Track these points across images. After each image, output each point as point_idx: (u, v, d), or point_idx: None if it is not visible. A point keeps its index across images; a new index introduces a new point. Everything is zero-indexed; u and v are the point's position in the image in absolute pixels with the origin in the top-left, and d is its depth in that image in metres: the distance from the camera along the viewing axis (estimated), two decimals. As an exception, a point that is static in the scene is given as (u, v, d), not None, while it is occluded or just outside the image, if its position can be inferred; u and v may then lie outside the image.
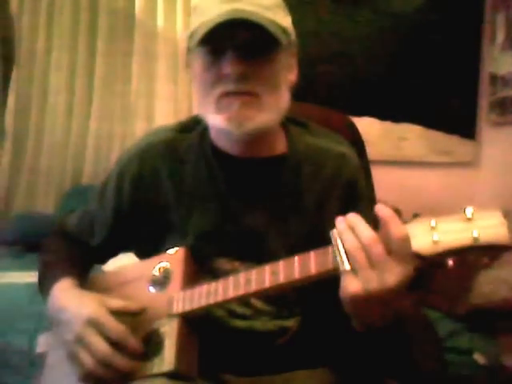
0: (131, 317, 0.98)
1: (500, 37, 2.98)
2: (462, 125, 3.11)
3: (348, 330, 0.87)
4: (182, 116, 3.13)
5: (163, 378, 0.91)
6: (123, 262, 1.15)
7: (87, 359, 0.92)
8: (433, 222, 0.71)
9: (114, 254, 1.22)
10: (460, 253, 0.69)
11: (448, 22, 3.07)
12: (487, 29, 3.08)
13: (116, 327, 0.93)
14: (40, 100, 3.19)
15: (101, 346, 0.91)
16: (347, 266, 0.75)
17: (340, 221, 0.79)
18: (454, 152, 3.12)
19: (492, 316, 1.95)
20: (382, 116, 3.11)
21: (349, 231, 0.77)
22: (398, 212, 0.74)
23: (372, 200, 1.26)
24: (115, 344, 0.92)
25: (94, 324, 0.93)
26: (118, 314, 0.96)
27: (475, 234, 0.68)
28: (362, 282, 0.74)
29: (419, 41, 3.08)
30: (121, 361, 0.92)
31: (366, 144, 1.43)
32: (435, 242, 0.70)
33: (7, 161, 3.17)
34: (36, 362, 1.24)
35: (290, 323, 1.05)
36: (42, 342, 1.56)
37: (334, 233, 0.78)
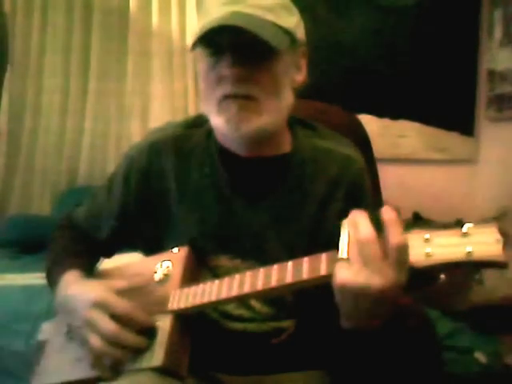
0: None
1: (498, 32, 2.97)
2: (461, 121, 3.10)
3: (341, 333, 0.86)
4: (178, 115, 3.11)
5: (151, 372, 0.92)
6: (125, 260, 1.16)
7: (95, 340, 0.92)
8: (427, 235, 0.72)
9: (120, 247, 1.23)
10: (452, 267, 0.70)
11: (445, 18, 3.06)
12: (485, 24, 3.07)
13: (122, 304, 0.94)
14: (34, 100, 3.17)
15: (107, 324, 0.92)
16: (344, 255, 0.76)
17: (352, 213, 0.79)
18: (453, 149, 3.11)
19: (493, 314, 1.95)
20: (380, 113, 3.10)
21: (353, 224, 0.77)
22: (396, 210, 0.74)
23: (378, 201, 1.25)
24: (124, 322, 0.92)
25: (99, 305, 0.94)
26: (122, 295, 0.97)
27: (469, 250, 0.68)
28: (351, 272, 0.74)
29: (417, 37, 3.07)
30: (129, 336, 0.92)
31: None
32: (428, 255, 0.71)
33: (2, 162, 3.16)
34: (32, 365, 1.24)
35: (286, 324, 1.06)
36: (46, 330, 1.57)
37: (344, 222, 0.80)
